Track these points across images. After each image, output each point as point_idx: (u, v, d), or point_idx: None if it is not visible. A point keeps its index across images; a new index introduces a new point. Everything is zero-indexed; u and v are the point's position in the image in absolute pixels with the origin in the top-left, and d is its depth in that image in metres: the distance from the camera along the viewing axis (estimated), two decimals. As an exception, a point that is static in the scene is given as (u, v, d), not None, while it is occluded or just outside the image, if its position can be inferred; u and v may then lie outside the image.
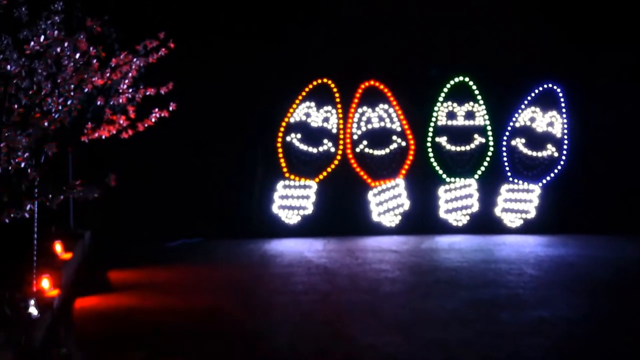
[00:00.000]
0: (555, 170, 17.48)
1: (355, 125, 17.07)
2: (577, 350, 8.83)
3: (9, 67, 7.39)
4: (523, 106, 17.47)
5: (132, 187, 15.04)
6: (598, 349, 8.92)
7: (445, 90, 17.35)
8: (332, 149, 16.98)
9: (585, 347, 8.95)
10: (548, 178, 17.46)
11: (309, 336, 9.42)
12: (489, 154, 17.40)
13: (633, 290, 12.05)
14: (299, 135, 16.87)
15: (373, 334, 9.42)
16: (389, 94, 17.17)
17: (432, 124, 17.32)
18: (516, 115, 17.46)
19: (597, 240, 16.30)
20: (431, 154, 17.29)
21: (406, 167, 17.18)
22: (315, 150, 16.92)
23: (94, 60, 8.77)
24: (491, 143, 17.39)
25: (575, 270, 13.35)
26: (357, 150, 17.07)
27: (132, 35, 10.17)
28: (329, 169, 16.96)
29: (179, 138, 15.87)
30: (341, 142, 17.01)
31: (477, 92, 17.39)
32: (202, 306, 10.87)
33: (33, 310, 8.99)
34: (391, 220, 17.14)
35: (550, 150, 17.49)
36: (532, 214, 17.42)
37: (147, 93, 10.85)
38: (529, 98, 17.48)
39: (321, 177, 16.93)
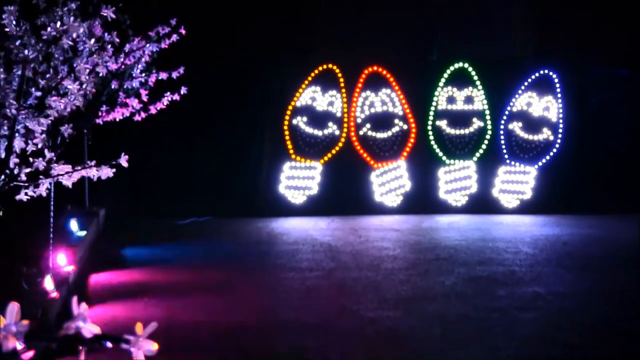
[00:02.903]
0: (551, 153, 17.44)
1: (359, 109, 17.03)
2: (570, 323, 8.85)
3: (26, 51, 7.36)
4: (520, 91, 17.40)
5: (145, 167, 15.05)
6: (589, 322, 8.95)
7: (446, 76, 17.29)
8: (337, 132, 16.94)
9: (577, 321, 8.97)
10: (544, 160, 17.42)
11: (314, 310, 9.44)
12: (487, 137, 17.36)
13: (622, 266, 12.07)
14: (305, 119, 16.83)
15: (375, 308, 9.43)
16: (391, 79, 17.11)
17: (432, 108, 17.27)
18: (513, 100, 17.40)
19: (590, 220, 16.27)
20: (431, 137, 17.26)
21: (407, 149, 17.14)
22: (320, 133, 16.88)
23: (109, 46, 8.74)
24: (489, 127, 17.34)
25: (568, 248, 13.34)
26: (361, 133, 17.03)
27: (145, 21, 10.15)
28: (333, 151, 16.92)
29: (189, 121, 15.87)
30: (345, 125, 16.97)
31: (476, 78, 17.33)
32: (211, 281, 10.90)
33: (49, 285, 9.00)
34: (393, 200, 17.12)
35: (545, 133, 17.44)
36: (528, 195, 17.40)
37: (160, 77, 10.84)
38: (526, 84, 17.41)
39: (326, 158, 16.90)
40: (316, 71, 16.89)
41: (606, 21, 17.50)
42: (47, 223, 10.16)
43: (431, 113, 17.26)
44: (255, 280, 11.06)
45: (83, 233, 12.37)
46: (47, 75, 7.80)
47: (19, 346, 3.44)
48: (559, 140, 17.42)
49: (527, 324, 8.85)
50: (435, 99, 17.27)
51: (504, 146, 17.40)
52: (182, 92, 10.91)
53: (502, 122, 17.39)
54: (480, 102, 17.33)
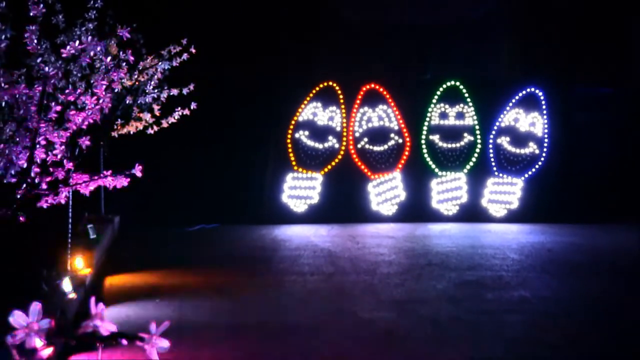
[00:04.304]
0: (537, 166, 17.43)
1: (357, 123, 17.04)
2: (554, 325, 8.87)
3: (47, 68, 7.40)
4: (508, 108, 17.41)
5: (157, 177, 15.05)
6: (572, 324, 8.96)
7: (438, 93, 17.29)
8: (336, 145, 16.95)
9: (561, 323, 8.99)
10: (530, 173, 17.41)
11: (314, 311, 9.45)
12: (477, 150, 17.36)
13: (604, 272, 12.08)
14: (306, 133, 16.84)
15: (371, 310, 9.45)
16: (387, 96, 17.13)
17: (426, 123, 17.27)
18: (501, 116, 17.40)
19: (573, 228, 16.25)
20: (425, 150, 17.26)
21: (402, 161, 17.15)
22: (321, 146, 16.89)
23: (124, 64, 8.79)
24: (479, 141, 17.34)
25: (553, 255, 13.34)
26: (359, 146, 17.04)
27: (158, 40, 10.19)
28: (333, 163, 16.93)
29: (199, 134, 15.87)
30: (344, 138, 16.98)
31: (466, 95, 17.33)
32: (219, 283, 10.91)
33: (67, 287, 9.01)
34: (388, 209, 17.12)
35: (532, 147, 17.44)
36: (515, 205, 17.38)
37: (171, 93, 10.87)
38: (513, 101, 17.42)
39: (326, 170, 16.90)
40: (317, 88, 16.91)
41: (590, 41, 17.55)
42: (65, 229, 10.19)
43: (425, 128, 17.26)
44: (260, 283, 11.06)
45: (99, 238, 12.39)
46: (66, 91, 7.84)
47: (41, 343, 3.46)
48: (544, 154, 17.42)
49: (514, 326, 8.86)
50: (428, 114, 17.28)
51: (492, 159, 17.40)
52: (192, 107, 10.94)
53: (491, 136, 17.39)
54: (470, 117, 17.35)
